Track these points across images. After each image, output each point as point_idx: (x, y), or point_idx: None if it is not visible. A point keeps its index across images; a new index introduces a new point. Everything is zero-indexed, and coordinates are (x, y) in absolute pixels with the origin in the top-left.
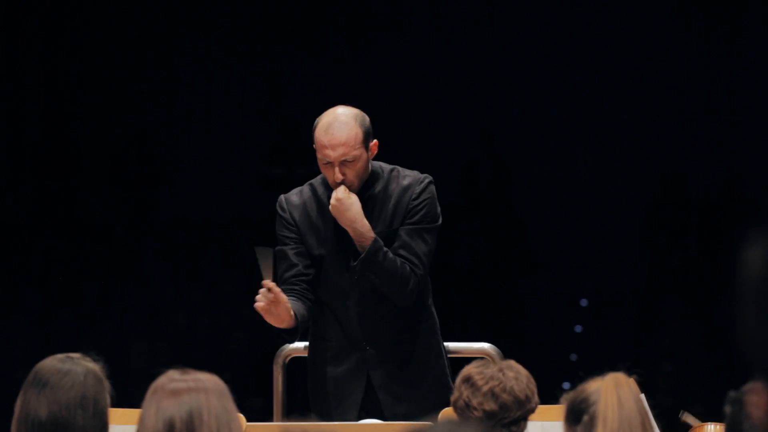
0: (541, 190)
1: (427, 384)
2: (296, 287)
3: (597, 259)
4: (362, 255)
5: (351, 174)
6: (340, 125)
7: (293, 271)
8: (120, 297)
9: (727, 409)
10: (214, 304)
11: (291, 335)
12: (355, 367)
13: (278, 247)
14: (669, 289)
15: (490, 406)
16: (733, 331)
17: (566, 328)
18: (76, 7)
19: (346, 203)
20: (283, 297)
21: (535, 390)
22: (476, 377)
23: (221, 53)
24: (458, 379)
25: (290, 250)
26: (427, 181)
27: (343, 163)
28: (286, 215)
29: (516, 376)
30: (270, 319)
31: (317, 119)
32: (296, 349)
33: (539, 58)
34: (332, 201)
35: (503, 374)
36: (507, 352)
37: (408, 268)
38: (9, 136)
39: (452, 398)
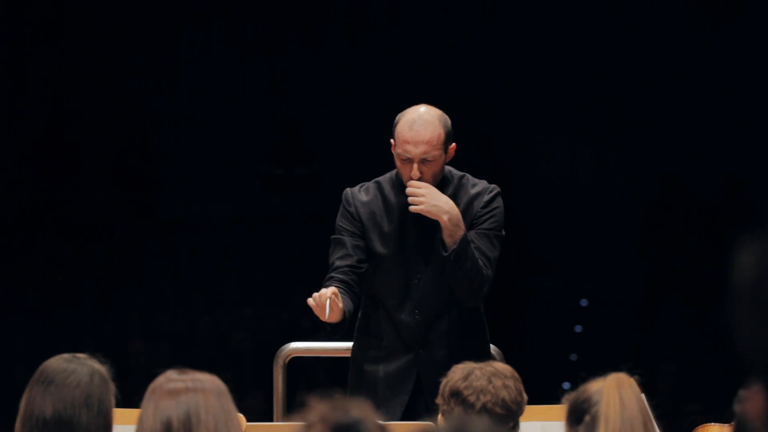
0: (541, 190)
1: None
2: (346, 277)
3: (597, 259)
4: (456, 246)
5: (428, 173)
6: (424, 123)
7: (347, 261)
8: (120, 297)
9: (737, 408)
10: (214, 304)
11: (336, 331)
12: (406, 368)
13: (336, 236)
14: (669, 290)
15: None
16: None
17: (566, 328)
18: (76, 6)
19: (434, 191)
20: (337, 306)
21: (522, 389)
22: (466, 392)
23: (221, 53)
24: (445, 390)
25: (349, 240)
26: (496, 191)
27: (423, 162)
28: (352, 209)
29: (504, 384)
30: (319, 314)
31: (399, 115)
32: (296, 350)
33: (539, 58)
34: (418, 191)
35: (492, 385)
36: (507, 352)
37: (483, 266)
38: (9, 136)
39: (441, 409)
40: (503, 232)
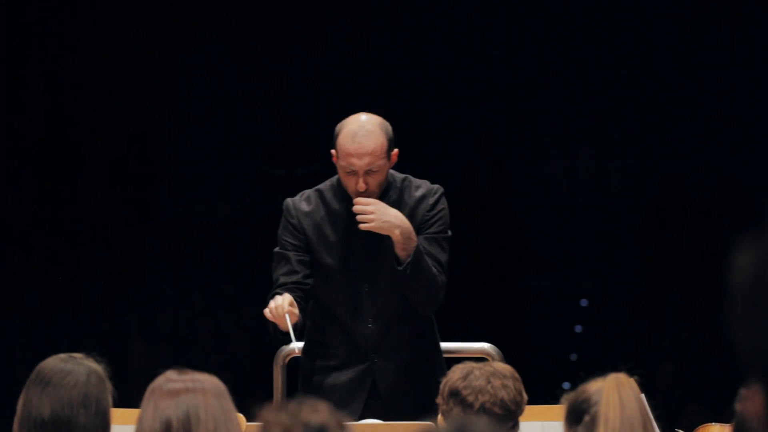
0: (541, 190)
1: (431, 397)
2: (292, 294)
3: (597, 259)
4: (410, 258)
5: (373, 184)
6: (366, 134)
7: (293, 278)
8: (120, 297)
9: (737, 407)
10: (214, 304)
11: (287, 340)
12: (361, 376)
13: (280, 250)
14: (669, 289)
15: None
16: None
17: (566, 328)
18: (77, 7)
19: (382, 206)
20: (296, 313)
21: (522, 388)
22: (464, 392)
23: (221, 53)
24: (445, 390)
25: (294, 256)
26: (440, 192)
27: (368, 173)
28: (294, 221)
29: (503, 384)
30: (277, 321)
31: (339, 126)
32: (296, 349)
33: (539, 58)
34: (366, 208)
35: (491, 385)
36: (507, 352)
37: (437, 273)
38: (9, 136)
39: (441, 409)
40: (450, 233)
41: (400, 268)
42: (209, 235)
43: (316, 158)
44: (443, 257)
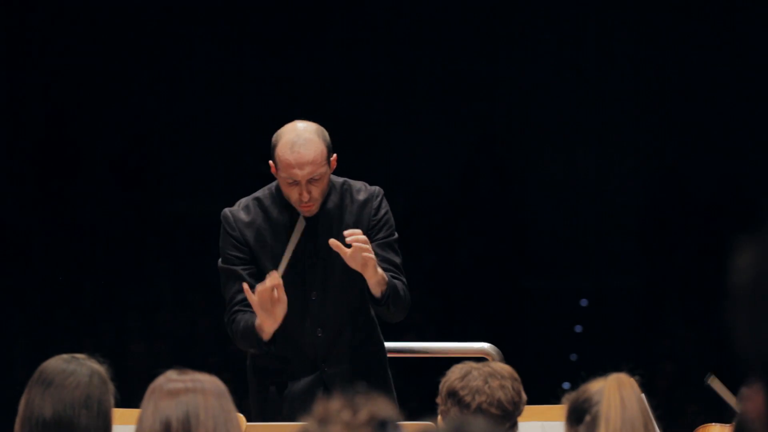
0: (541, 190)
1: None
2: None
3: (597, 259)
4: (387, 290)
5: (316, 192)
6: (305, 143)
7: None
8: (120, 297)
9: (738, 407)
10: (214, 304)
11: (269, 349)
12: (312, 385)
13: (226, 266)
14: (669, 289)
15: None
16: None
17: (566, 328)
18: (76, 6)
19: (361, 251)
20: (284, 296)
21: (521, 389)
22: (462, 393)
23: (221, 53)
24: (443, 390)
25: (243, 271)
26: (382, 194)
27: (310, 182)
28: (236, 233)
29: (501, 384)
30: (264, 318)
31: (276, 136)
32: None
33: (539, 58)
34: (360, 237)
35: (488, 386)
36: (507, 352)
37: (402, 285)
38: (9, 136)
39: (439, 409)
40: (396, 234)
41: (380, 306)
42: (209, 235)
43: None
44: (398, 259)
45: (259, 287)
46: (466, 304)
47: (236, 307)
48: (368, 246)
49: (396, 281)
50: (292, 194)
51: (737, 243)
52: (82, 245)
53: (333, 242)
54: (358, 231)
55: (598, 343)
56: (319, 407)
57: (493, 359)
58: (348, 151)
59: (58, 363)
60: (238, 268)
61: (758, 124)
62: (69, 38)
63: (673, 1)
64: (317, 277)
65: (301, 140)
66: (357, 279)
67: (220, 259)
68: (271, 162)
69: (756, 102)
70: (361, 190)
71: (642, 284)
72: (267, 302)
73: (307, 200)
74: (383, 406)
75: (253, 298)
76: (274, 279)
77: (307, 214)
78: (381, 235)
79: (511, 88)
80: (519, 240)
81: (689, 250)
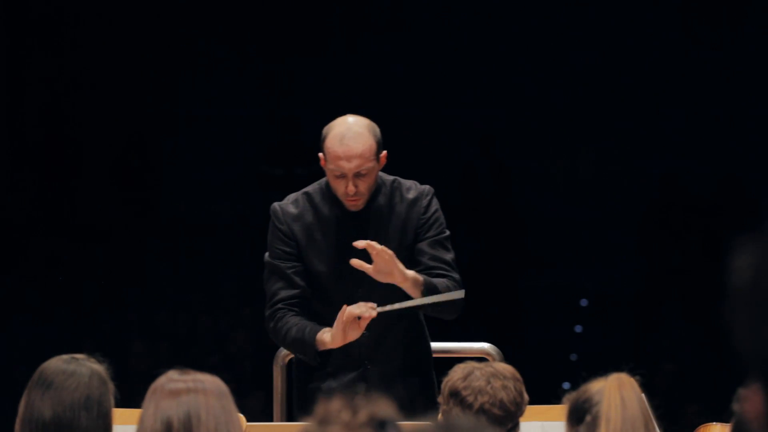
0: (541, 190)
1: (421, 401)
2: (297, 309)
3: (597, 259)
4: (424, 292)
5: (363, 186)
6: (355, 136)
7: (294, 292)
8: (120, 297)
9: (736, 407)
10: (214, 304)
11: (321, 357)
12: (354, 382)
13: (273, 260)
14: (669, 289)
15: None
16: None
17: (566, 328)
18: (76, 6)
19: (387, 259)
20: (364, 326)
21: (523, 389)
22: (464, 393)
23: (221, 53)
24: (445, 389)
25: (289, 269)
26: (432, 193)
27: (357, 176)
28: (284, 228)
29: (503, 385)
30: (338, 337)
31: (327, 128)
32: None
33: (539, 58)
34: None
35: (491, 386)
36: (507, 352)
37: (450, 282)
38: (9, 136)
39: (441, 409)
40: (448, 232)
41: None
42: (209, 235)
43: (316, 158)
44: (449, 256)
45: (354, 309)
46: (466, 304)
47: (279, 305)
48: (387, 255)
49: (441, 279)
50: (339, 187)
51: (736, 243)
52: (82, 245)
53: (356, 262)
54: (374, 243)
55: (598, 343)
56: (319, 408)
57: (494, 359)
58: None
59: (57, 364)
60: (284, 265)
61: (758, 124)
62: (69, 38)
63: (673, 1)
64: (363, 274)
65: (351, 133)
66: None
67: (267, 253)
68: (320, 154)
69: (756, 102)
70: (411, 188)
71: (642, 284)
72: (348, 324)
73: (353, 194)
74: (383, 407)
75: (341, 316)
76: (366, 311)
77: (353, 209)
78: (431, 233)
79: (511, 88)
80: (519, 240)
81: (689, 250)
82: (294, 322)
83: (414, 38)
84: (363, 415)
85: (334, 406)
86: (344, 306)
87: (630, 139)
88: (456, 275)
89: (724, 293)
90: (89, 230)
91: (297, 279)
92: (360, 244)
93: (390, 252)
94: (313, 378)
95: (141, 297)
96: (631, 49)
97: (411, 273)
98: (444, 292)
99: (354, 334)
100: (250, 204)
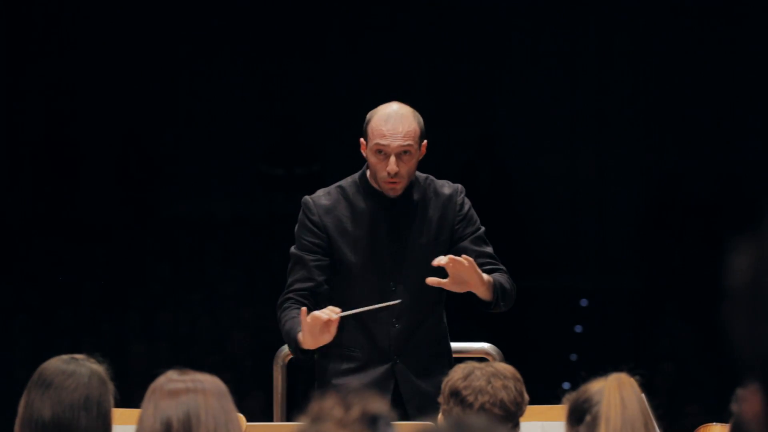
0: (541, 190)
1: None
2: (306, 302)
3: (597, 259)
4: (497, 296)
5: (404, 169)
6: (400, 117)
7: (307, 284)
8: (120, 297)
9: (735, 407)
10: (214, 304)
11: (307, 359)
12: (382, 379)
13: (297, 251)
14: (669, 289)
15: None
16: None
17: (566, 328)
18: (76, 6)
19: (468, 266)
20: (334, 331)
21: (523, 389)
22: (464, 392)
23: (221, 53)
24: (445, 389)
25: (311, 261)
26: (464, 191)
27: (399, 156)
28: (315, 218)
29: (504, 385)
30: (308, 339)
31: (371, 113)
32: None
33: (539, 58)
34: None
35: (491, 386)
36: (507, 352)
37: (504, 275)
38: (9, 136)
39: (442, 409)
40: (483, 227)
41: (491, 309)
42: (209, 235)
43: (316, 158)
44: (491, 250)
45: (316, 314)
46: (466, 305)
47: (290, 294)
48: (467, 262)
49: (498, 275)
50: (380, 168)
51: (734, 244)
52: (82, 245)
53: (432, 280)
54: (444, 258)
55: (598, 343)
56: (312, 405)
57: (494, 359)
58: (348, 152)
59: (57, 364)
60: (308, 257)
61: (758, 124)
62: (68, 38)
63: (673, 1)
64: (398, 268)
65: (396, 114)
66: (437, 275)
67: (293, 246)
68: (361, 140)
69: (756, 102)
70: (445, 185)
71: (642, 284)
72: (316, 329)
73: (394, 174)
74: (375, 403)
75: (306, 319)
76: (330, 315)
77: (392, 194)
78: (471, 229)
79: (511, 88)
80: (519, 240)
81: (689, 251)
82: (289, 315)
83: (414, 38)
84: (355, 411)
85: (327, 403)
86: (303, 309)
87: (630, 139)
88: (502, 266)
89: (723, 293)
90: (89, 230)
91: (317, 272)
92: (441, 261)
93: (469, 258)
94: (337, 374)
95: (141, 297)
96: (631, 49)
97: (486, 276)
98: (507, 288)
99: (325, 338)
100: (250, 204)
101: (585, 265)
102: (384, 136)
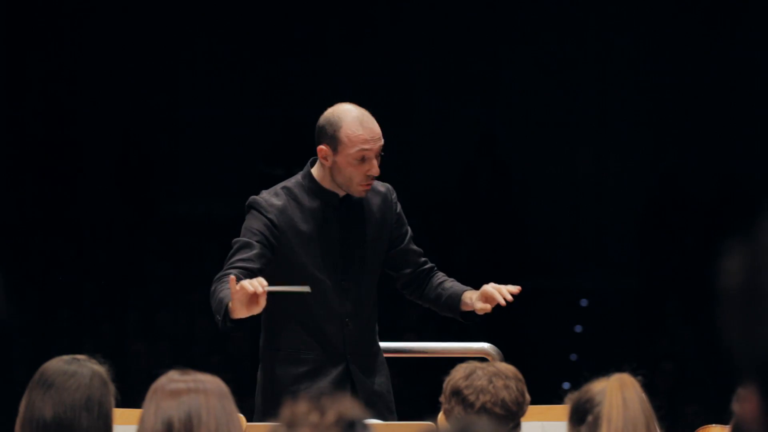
0: (541, 190)
1: (390, 395)
2: (243, 277)
3: (597, 259)
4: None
5: (378, 170)
6: (368, 118)
7: (249, 265)
8: (120, 297)
9: (735, 407)
10: None
11: (236, 329)
12: (340, 380)
13: (245, 238)
14: (669, 289)
15: None
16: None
17: (566, 328)
18: (76, 6)
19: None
20: (263, 303)
21: (524, 389)
22: (466, 392)
23: (221, 53)
24: (447, 389)
25: (258, 246)
26: (394, 190)
27: (376, 157)
28: (272, 216)
29: (505, 384)
30: (238, 308)
31: (331, 118)
32: None
33: (539, 58)
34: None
35: (493, 385)
36: (507, 352)
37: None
38: (9, 136)
39: (443, 408)
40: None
41: (468, 321)
42: (209, 235)
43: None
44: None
45: (245, 284)
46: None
47: (230, 270)
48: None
49: (453, 280)
50: (359, 172)
51: (728, 245)
52: (82, 245)
53: (482, 308)
54: (515, 288)
55: (598, 343)
56: (286, 410)
57: (493, 359)
58: None
59: (58, 364)
60: (256, 245)
61: (758, 124)
62: (69, 38)
63: (673, 1)
64: (351, 266)
65: (365, 116)
66: (378, 272)
67: (238, 238)
68: (324, 146)
69: (755, 102)
70: (378, 184)
71: (642, 284)
72: (245, 298)
73: (377, 174)
74: (350, 407)
75: (235, 287)
76: (257, 287)
77: (363, 194)
78: (405, 229)
79: (511, 88)
80: (519, 240)
81: (689, 251)
82: (228, 286)
83: (414, 38)
84: (331, 415)
85: (301, 408)
86: (232, 277)
87: (629, 139)
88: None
89: (719, 295)
90: (89, 230)
91: (258, 260)
92: (511, 291)
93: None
94: (289, 380)
95: (141, 297)
96: (631, 49)
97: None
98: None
99: (256, 309)
100: None
101: (585, 265)
102: (367, 140)
